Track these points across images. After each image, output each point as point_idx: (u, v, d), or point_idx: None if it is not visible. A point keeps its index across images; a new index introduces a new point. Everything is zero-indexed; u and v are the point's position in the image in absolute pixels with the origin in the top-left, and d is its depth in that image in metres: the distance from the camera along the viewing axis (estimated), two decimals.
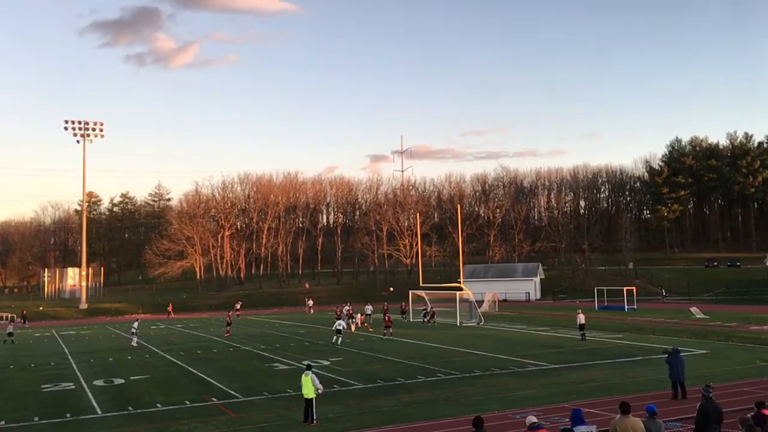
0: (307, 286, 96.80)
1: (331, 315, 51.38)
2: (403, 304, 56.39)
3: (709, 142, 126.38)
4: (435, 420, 17.35)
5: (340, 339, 36.60)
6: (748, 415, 11.89)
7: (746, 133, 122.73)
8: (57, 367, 31.03)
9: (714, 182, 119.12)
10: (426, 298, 54.80)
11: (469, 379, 23.84)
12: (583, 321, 35.70)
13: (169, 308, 72.32)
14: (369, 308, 52.91)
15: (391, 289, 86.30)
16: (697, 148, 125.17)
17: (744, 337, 33.95)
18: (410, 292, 56.84)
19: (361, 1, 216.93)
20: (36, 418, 19.22)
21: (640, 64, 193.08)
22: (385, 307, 51.81)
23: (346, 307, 53.12)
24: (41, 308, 78.80)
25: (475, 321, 48.69)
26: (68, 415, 19.69)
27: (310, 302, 72.25)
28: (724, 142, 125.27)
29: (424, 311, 51.77)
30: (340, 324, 37.68)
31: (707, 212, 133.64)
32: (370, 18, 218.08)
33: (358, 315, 49.10)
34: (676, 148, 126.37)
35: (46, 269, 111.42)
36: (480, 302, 56.80)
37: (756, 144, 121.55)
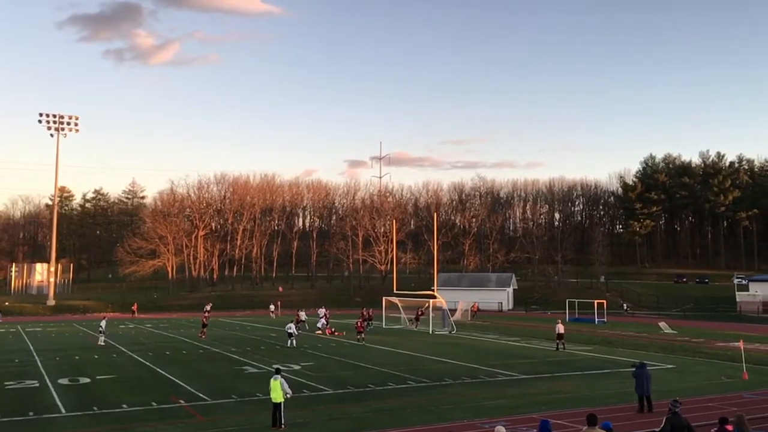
0: (280, 289, 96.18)
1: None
2: (371, 310, 53.48)
3: (683, 160, 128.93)
4: (404, 427, 17.32)
5: (294, 342, 37.83)
6: (712, 431, 12.09)
7: (719, 153, 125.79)
8: (21, 364, 30.42)
9: (686, 199, 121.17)
10: (399, 305, 54.76)
11: (440, 387, 23.87)
12: (561, 331, 36.21)
13: (134, 308, 71.29)
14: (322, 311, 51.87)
15: (358, 299, 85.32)
16: (671, 166, 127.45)
17: (710, 353, 34.48)
18: (384, 298, 56.72)
19: (344, 6, 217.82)
20: None
21: (620, 81, 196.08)
22: (365, 313, 49.12)
23: (302, 312, 52.84)
24: (7, 303, 77.27)
25: (448, 329, 48.81)
26: (31, 413, 19.29)
27: (272, 307, 68.80)
28: (696, 160, 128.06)
29: (416, 317, 52.20)
30: (290, 327, 38.92)
31: (678, 229, 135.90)
32: (353, 24, 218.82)
33: (322, 320, 48.61)
34: (650, 164, 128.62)
35: (13, 264, 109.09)
36: (453, 311, 56.96)
37: (728, 163, 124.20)
